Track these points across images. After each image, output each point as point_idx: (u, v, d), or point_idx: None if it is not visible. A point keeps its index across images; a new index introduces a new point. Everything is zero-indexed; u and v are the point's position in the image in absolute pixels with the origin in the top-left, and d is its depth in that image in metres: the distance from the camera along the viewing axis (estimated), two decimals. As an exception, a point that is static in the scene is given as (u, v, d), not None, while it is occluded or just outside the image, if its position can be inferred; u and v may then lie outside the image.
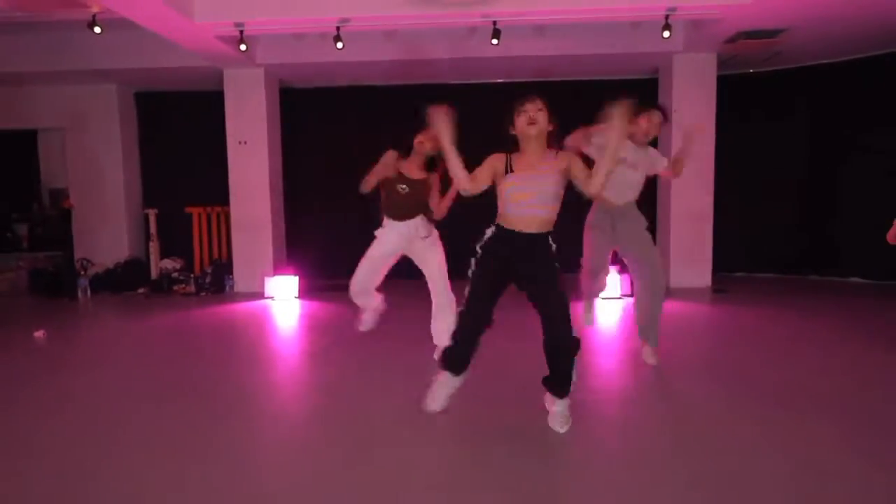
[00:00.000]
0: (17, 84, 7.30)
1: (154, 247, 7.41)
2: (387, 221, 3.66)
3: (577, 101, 7.39)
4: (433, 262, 3.67)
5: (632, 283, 3.85)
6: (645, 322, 3.68)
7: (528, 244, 2.62)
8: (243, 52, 5.59)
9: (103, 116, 7.53)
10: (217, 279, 7.01)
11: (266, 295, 6.58)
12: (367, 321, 3.99)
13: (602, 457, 2.53)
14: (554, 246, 2.68)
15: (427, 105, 2.55)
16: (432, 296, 3.72)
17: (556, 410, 2.75)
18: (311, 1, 5.11)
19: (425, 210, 3.65)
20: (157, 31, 5.36)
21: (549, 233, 2.67)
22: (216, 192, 7.14)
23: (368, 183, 3.55)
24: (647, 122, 3.46)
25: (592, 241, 3.67)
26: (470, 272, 2.70)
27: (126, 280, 7.22)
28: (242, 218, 6.88)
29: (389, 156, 3.55)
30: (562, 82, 7.32)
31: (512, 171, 2.62)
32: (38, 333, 4.84)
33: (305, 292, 6.63)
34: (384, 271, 3.78)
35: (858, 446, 2.54)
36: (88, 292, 6.84)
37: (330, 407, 3.20)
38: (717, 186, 6.64)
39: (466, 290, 2.69)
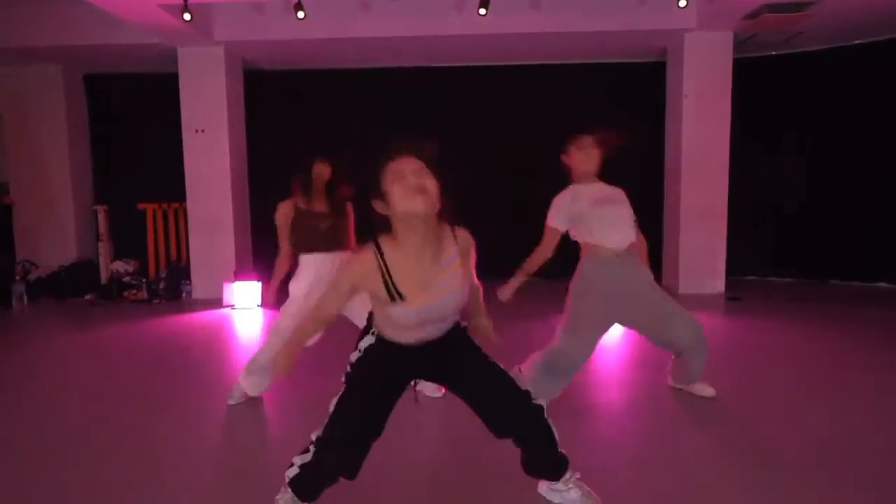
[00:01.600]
0: (-54, 63, 6.51)
1: (104, 247, 6.64)
2: (303, 260, 3.03)
3: (577, 87, 6.84)
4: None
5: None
6: (690, 379, 3.07)
7: (433, 349, 1.83)
8: (203, 24, 4.82)
9: (47, 101, 6.72)
10: (172, 284, 6.26)
11: (226, 303, 5.84)
12: (236, 395, 3.14)
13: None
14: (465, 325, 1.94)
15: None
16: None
17: (571, 496, 1.98)
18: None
19: (345, 245, 3.07)
20: (95, 2, 4.58)
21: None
22: (172, 186, 6.34)
23: (284, 249, 3.07)
24: (578, 152, 2.80)
25: (584, 312, 2.76)
26: (344, 379, 1.84)
27: (71, 285, 6.45)
28: (201, 216, 6.12)
29: (283, 208, 3.05)
30: (560, 66, 6.62)
31: (399, 293, 1.67)
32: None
33: (270, 300, 5.89)
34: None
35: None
36: (25, 299, 6.06)
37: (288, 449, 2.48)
38: (730, 182, 5.97)
39: (334, 405, 1.79)
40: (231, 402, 3.13)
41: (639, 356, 3.95)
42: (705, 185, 5.92)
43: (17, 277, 6.18)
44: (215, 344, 4.66)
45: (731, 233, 6.05)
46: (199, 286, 6.20)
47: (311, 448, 1.79)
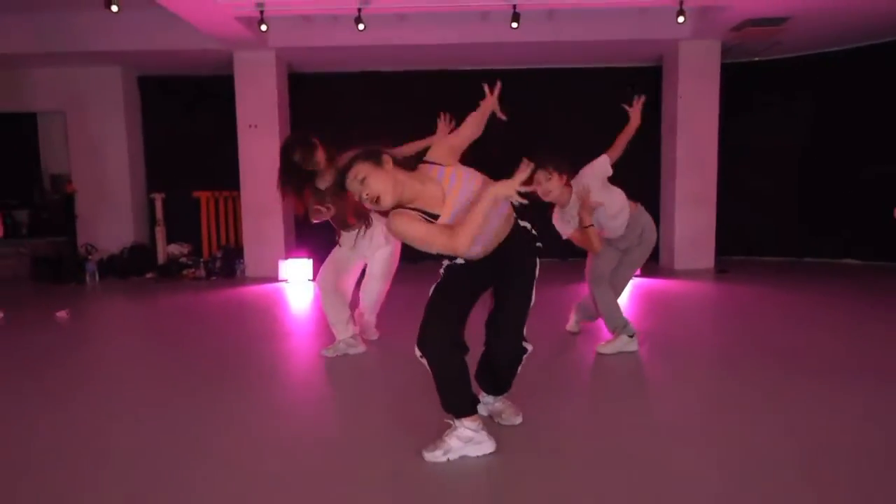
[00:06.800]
0: (16, 66, 7.16)
1: (160, 232, 7.34)
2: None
3: (582, 89, 7.70)
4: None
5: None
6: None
7: (504, 250, 2.27)
8: (261, 33, 5.59)
9: (106, 99, 7.41)
10: (227, 263, 7.00)
11: (280, 278, 6.60)
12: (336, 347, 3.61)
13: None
14: (530, 227, 2.36)
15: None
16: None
17: (497, 406, 2.52)
18: (333, -18, 5.15)
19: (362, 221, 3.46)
20: (176, 12, 5.32)
21: (517, 221, 2.31)
22: (224, 176, 7.12)
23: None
24: (537, 186, 3.16)
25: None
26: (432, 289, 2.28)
27: (133, 265, 7.15)
28: (253, 202, 6.86)
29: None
30: (568, 70, 7.47)
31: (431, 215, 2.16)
32: (61, 314, 4.80)
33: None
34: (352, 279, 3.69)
35: (864, 399, 2.74)
36: (97, 277, 6.76)
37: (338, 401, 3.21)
38: (719, 172, 6.86)
39: (429, 299, 2.24)
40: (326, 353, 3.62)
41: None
42: (697, 174, 6.81)
43: (89, 258, 6.87)
44: (274, 308, 5.41)
45: (720, 217, 6.94)
46: (251, 265, 6.95)
47: (418, 352, 2.15)
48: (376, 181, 2.05)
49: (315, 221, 3.45)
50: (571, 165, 3.32)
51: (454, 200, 2.15)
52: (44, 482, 2.12)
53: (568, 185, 3.27)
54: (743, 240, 7.56)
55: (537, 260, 2.35)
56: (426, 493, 2.01)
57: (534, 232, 2.37)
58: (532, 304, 2.33)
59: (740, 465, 2.12)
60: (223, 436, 2.49)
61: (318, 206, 3.36)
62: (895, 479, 2.01)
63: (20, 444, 2.43)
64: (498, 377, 2.43)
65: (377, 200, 2.07)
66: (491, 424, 2.42)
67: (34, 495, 2.03)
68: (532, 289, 2.33)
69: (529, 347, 2.36)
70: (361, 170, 2.06)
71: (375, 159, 2.08)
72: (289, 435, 2.51)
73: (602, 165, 3.31)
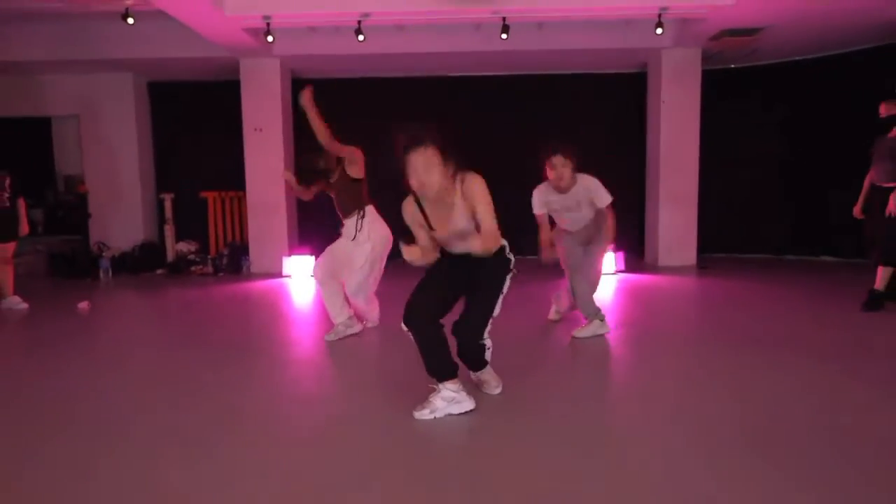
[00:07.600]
0: (32, 72, 7.53)
1: (169, 230, 7.70)
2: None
3: (572, 93, 8.08)
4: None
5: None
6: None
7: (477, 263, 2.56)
8: (266, 42, 5.93)
9: (118, 104, 7.79)
10: (234, 260, 7.36)
11: (284, 274, 6.96)
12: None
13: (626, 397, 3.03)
14: (507, 247, 2.65)
15: None
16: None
17: (483, 378, 2.82)
18: (335, -4, 5.51)
19: (355, 206, 3.94)
20: (187, 23, 5.69)
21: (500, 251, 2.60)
22: (230, 177, 7.49)
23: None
24: (551, 171, 3.62)
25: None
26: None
27: (143, 262, 7.51)
28: (258, 202, 7.23)
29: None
30: (558, 75, 7.83)
31: (430, 225, 2.55)
32: (82, 305, 5.16)
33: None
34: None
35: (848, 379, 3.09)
36: (110, 273, 7.13)
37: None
38: (700, 173, 7.22)
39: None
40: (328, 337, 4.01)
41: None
42: (679, 174, 7.17)
43: (102, 255, 7.23)
44: (279, 300, 5.78)
45: (702, 217, 7.29)
46: (256, 261, 7.32)
47: (404, 326, 2.54)
48: (437, 175, 2.40)
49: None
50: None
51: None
52: (63, 451, 2.47)
53: (574, 176, 3.66)
54: (723, 238, 7.92)
55: (507, 278, 2.62)
56: (416, 444, 2.37)
57: (510, 255, 2.65)
58: (496, 314, 2.61)
59: (699, 425, 2.48)
60: (234, 411, 2.85)
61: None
62: (851, 454, 2.30)
63: (49, 414, 2.80)
64: (466, 361, 2.73)
65: (422, 186, 2.41)
66: (472, 388, 2.79)
67: (57, 458, 2.38)
68: (496, 301, 2.60)
69: (488, 344, 2.68)
70: (438, 161, 2.37)
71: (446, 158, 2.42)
72: (298, 401, 2.87)
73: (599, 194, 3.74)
